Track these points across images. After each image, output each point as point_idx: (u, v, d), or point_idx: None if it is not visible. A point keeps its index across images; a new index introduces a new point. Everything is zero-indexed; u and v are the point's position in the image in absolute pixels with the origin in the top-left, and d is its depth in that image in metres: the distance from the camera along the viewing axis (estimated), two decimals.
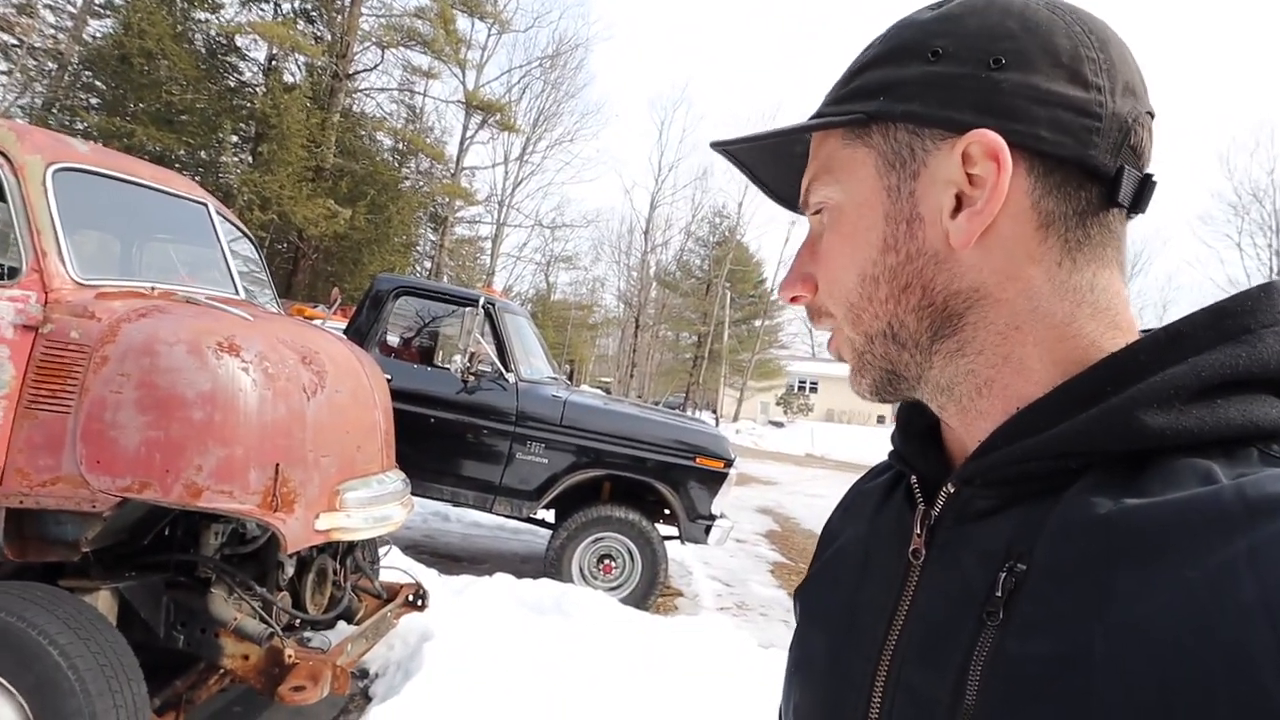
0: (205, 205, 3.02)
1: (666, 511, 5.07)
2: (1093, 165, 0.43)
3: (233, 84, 16.50)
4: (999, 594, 0.41)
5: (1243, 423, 0.38)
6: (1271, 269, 25.76)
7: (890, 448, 0.58)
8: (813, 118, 0.51)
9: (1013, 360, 0.45)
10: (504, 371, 4.91)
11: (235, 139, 16.20)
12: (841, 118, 0.48)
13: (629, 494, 5.06)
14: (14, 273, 2.23)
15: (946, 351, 0.47)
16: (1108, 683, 0.35)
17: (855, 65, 0.50)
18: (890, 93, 0.46)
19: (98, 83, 14.80)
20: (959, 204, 0.45)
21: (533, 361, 5.33)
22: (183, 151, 14.44)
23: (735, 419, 32.52)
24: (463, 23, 20.72)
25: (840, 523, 0.62)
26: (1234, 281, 26.57)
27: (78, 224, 2.42)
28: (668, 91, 78.12)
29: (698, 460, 4.87)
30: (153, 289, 2.51)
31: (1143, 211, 0.46)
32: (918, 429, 0.54)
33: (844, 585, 0.54)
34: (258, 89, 16.47)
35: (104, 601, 2.32)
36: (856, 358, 0.51)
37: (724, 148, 0.54)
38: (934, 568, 0.47)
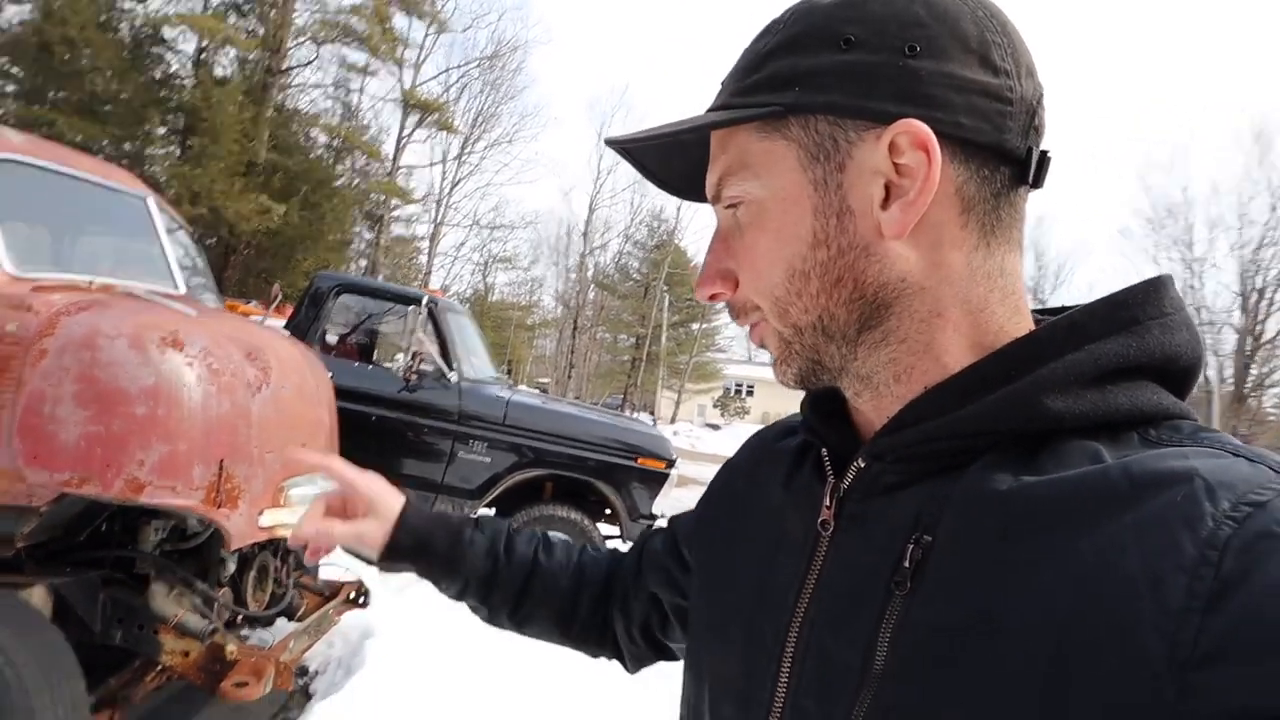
0: (144, 199, 2.97)
1: (607, 511, 5.15)
2: (1007, 149, 0.45)
3: (160, 76, 15.89)
4: (906, 564, 0.43)
5: (1130, 408, 0.42)
6: (1185, 282, 27.11)
7: (800, 416, 0.59)
8: (716, 109, 0.50)
9: (934, 347, 0.47)
10: (446, 371, 4.92)
11: (163, 131, 15.62)
12: (755, 110, 0.47)
13: (570, 493, 5.12)
14: None
15: (871, 342, 0.48)
16: (1008, 647, 0.37)
17: (757, 52, 0.49)
18: (805, 83, 0.46)
19: (14, 70, 14.08)
20: (888, 194, 0.45)
21: (475, 361, 5.35)
22: (107, 142, 13.84)
23: (673, 421, 32.80)
24: (400, 21, 20.48)
25: (749, 476, 0.63)
26: None
27: (10, 215, 2.38)
28: (607, 95, 78.44)
29: (639, 460, 4.97)
30: (91, 283, 2.48)
31: (1041, 186, 0.47)
32: (827, 403, 0.55)
33: (759, 553, 0.55)
34: (187, 81, 15.92)
35: (38, 598, 2.27)
36: (783, 347, 0.51)
37: (620, 144, 0.53)
38: (843, 539, 0.48)
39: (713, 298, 0.53)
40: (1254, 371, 26.51)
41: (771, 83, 0.47)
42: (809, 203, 0.47)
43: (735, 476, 0.65)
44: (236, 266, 16.38)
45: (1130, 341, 0.43)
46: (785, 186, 0.47)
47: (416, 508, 0.80)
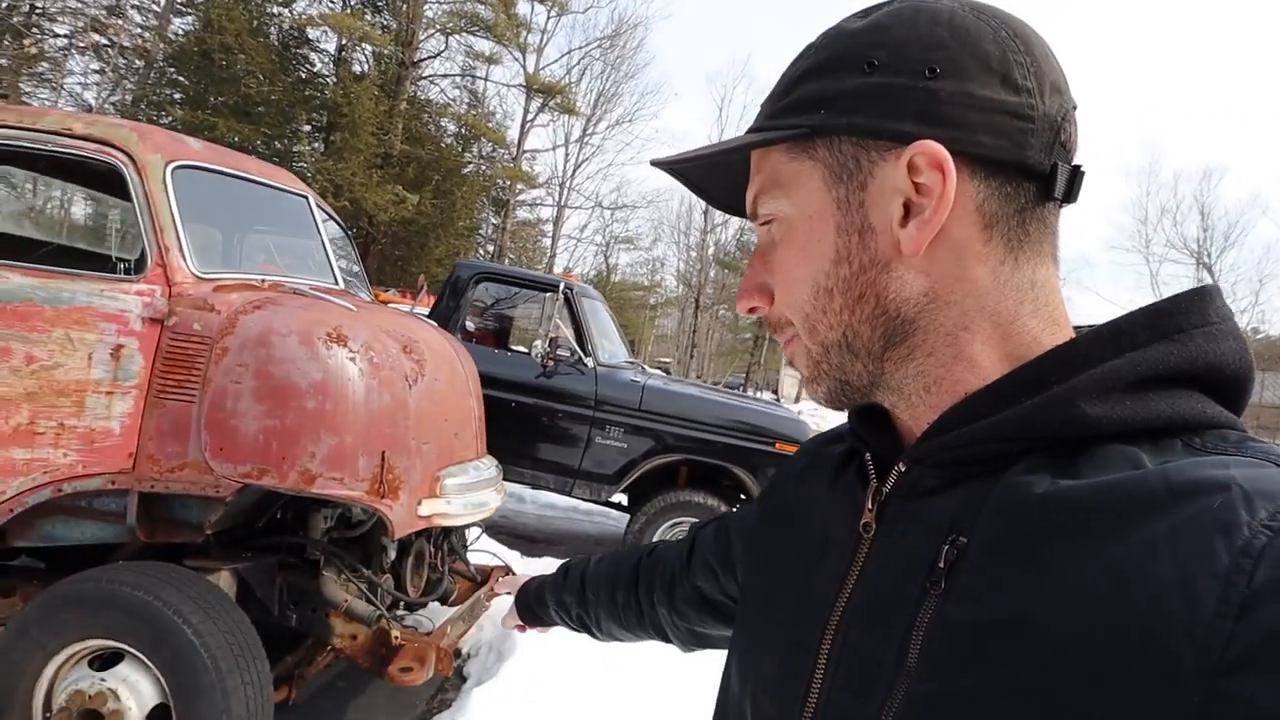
0: (306, 198, 3.10)
1: (743, 496, 5.04)
2: (1029, 165, 0.45)
3: (305, 75, 16.93)
4: (941, 565, 0.43)
5: (1170, 415, 0.42)
6: None
7: (847, 424, 0.61)
8: (751, 131, 0.52)
9: (962, 359, 0.47)
10: (583, 356, 4.94)
11: (308, 128, 16.66)
12: (784, 133, 0.49)
13: (705, 478, 5.05)
14: (139, 268, 2.32)
15: (897, 358, 0.49)
16: (1038, 647, 0.37)
17: (789, 77, 0.51)
18: (831, 106, 0.47)
19: (181, 78, 15.37)
20: (907, 212, 0.46)
21: (609, 346, 5.35)
22: (259, 142, 14.91)
23: (796, 400, 32.12)
24: (522, 6, 20.82)
25: (798, 482, 0.65)
26: None
27: (193, 218, 2.52)
28: (728, 67, 77.03)
29: (777, 445, 4.83)
30: (264, 281, 2.59)
31: (1075, 201, 0.48)
32: (871, 409, 0.56)
33: (806, 555, 0.56)
34: (329, 79, 16.88)
35: (225, 581, 2.42)
36: (813, 366, 0.53)
37: (664, 166, 0.55)
38: (883, 540, 0.49)
39: (751, 311, 0.55)
40: None
41: (801, 105, 0.49)
42: (833, 221, 0.48)
43: (787, 482, 0.67)
44: (374, 256, 17.32)
45: (1172, 349, 0.43)
46: (811, 205, 0.49)
47: (523, 584, 1.07)
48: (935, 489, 0.47)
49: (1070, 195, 0.48)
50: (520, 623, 1.05)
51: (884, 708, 0.43)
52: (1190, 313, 0.44)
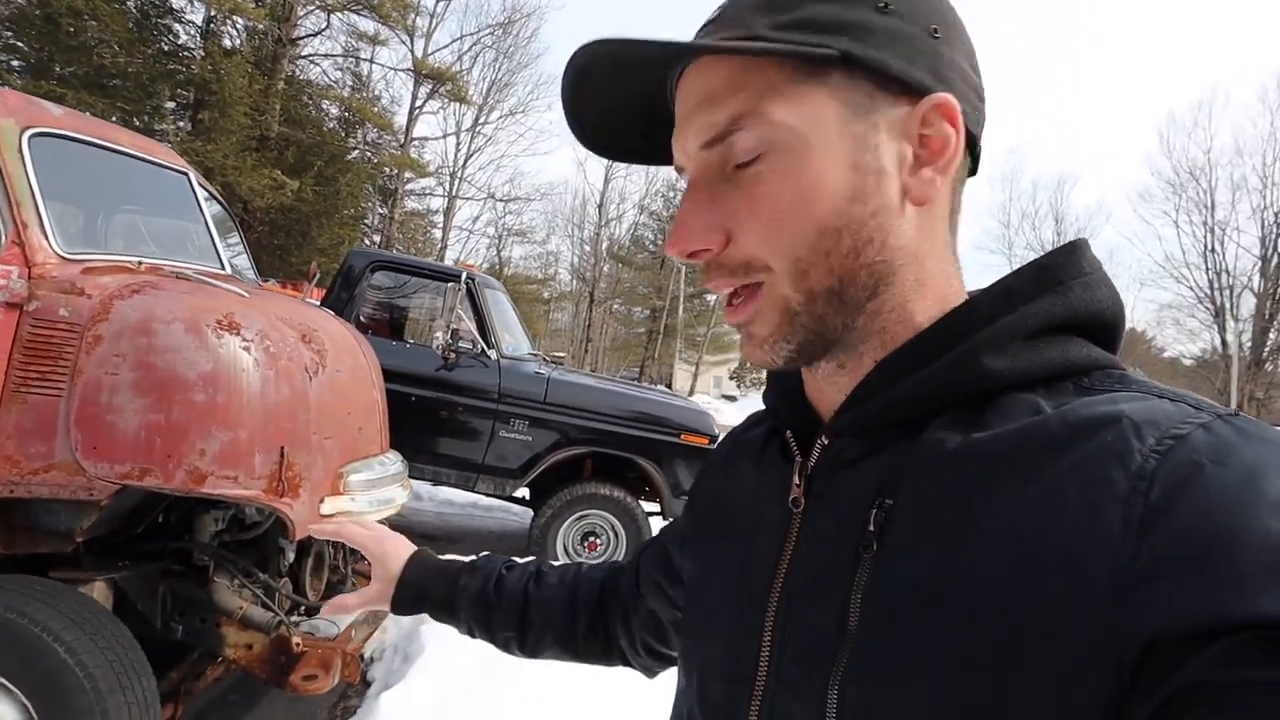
0: (187, 175, 2.85)
1: (647, 488, 5.07)
2: (976, 140, 0.50)
3: (168, 47, 15.62)
4: (872, 529, 0.45)
5: (1061, 361, 0.45)
6: (1206, 246, 26.64)
7: (763, 404, 0.61)
8: (740, 38, 0.45)
9: (906, 317, 0.48)
10: (486, 348, 4.81)
11: (173, 105, 15.40)
12: (809, 49, 0.44)
13: (610, 470, 5.04)
14: None
15: (872, 310, 0.48)
16: (971, 591, 0.39)
17: None
18: (853, 34, 0.45)
19: (20, 44, 13.86)
20: (915, 161, 0.47)
21: (512, 338, 5.24)
22: (116, 117, 13.64)
23: (690, 393, 32.71)
24: None
25: (723, 472, 0.64)
26: (1170, 257, 27.43)
27: (55, 193, 2.26)
28: None
29: (682, 437, 4.87)
30: (140, 264, 2.37)
31: (975, 174, 0.53)
32: (785, 386, 0.57)
33: (739, 541, 0.56)
34: (195, 53, 15.65)
35: (99, 593, 2.21)
36: (787, 319, 0.48)
37: (589, 51, 0.46)
38: (813, 513, 0.50)
39: (694, 255, 0.49)
40: (1272, 336, 26.22)
41: (813, 24, 0.45)
42: (848, 158, 0.46)
43: (712, 476, 0.67)
44: (251, 244, 16.26)
45: (1056, 300, 0.46)
46: (825, 137, 0.45)
47: (420, 561, 0.86)
48: (859, 457, 0.48)
49: (974, 169, 0.52)
50: (348, 608, 0.86)
51: (832, 673, 0.44)
52: (1068, 265, 0.47)
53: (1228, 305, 25.63)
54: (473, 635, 0.85)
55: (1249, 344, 25.89)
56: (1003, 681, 0.37)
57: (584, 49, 0.46)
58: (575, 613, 0.82)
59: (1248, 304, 26.26)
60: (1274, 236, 25.54)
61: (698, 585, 0.61)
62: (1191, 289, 25.43)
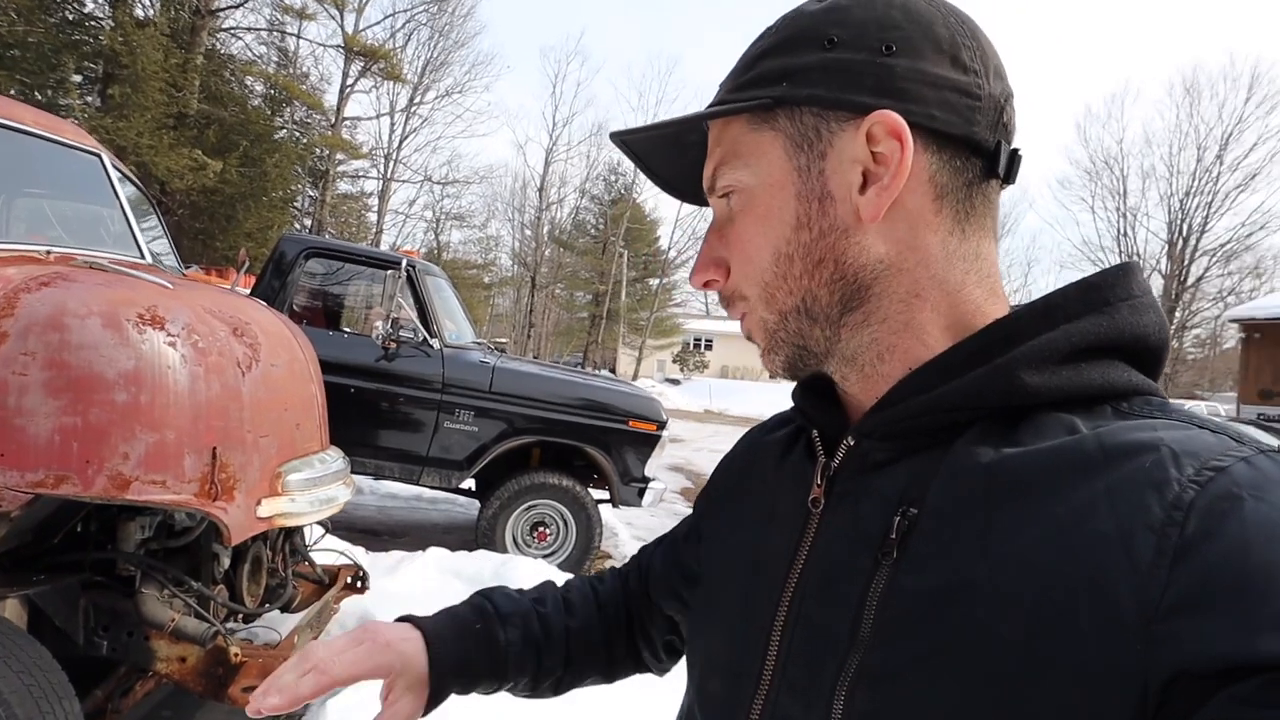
0: (99, 156, 2.64)
1: (595, 476, 5.01)
2: (976, 141, 0.48)
3: (73, 16, 14.64)
4: (893, 535, 0.45)
5: (1102, 383, 0.44)
6: (1119, 230, 28.11)
7: (792, 403, 0.61)
8: (714, 105, 0.53)
9: (913, 326, 0.49)
10: (428, 337, 4.66)
11: (79, 79, 14.46)
12: (747, 103, 0.50)
13: (558, 459, 4.97)
14: None
15: (853, 323, 0.50)
16: (990, 606, 0.39)
17: (751, 54, 0.52)
18: (792, 79, 0.49)
19: None
20: (865, 180, 0.48)
21: (455, 326, 5.09)
22: (15, 91, 12.75)
23: (634, 378, 32.73)
24: None
25: (741, 471, 0.65)
26: (1087, 242, 28.91)
27: None
28: (561, 42, 75.82)
29: (631, 423, 4.83)
30: (49, 253, 2.18)
31: (1013, 182, 0.51)
32: (817, 386, 0.57)
33: (751, 536, 0.57)
34: (104, 23, 14.70)
35: (13, 611, 2.04)
36: (769, 337, 0.53)
37: (622, 138, 0.55)
38: (833, 514, 0.50)
39: (707, 285, 0.55)
40: (1177, 315, 27.96)
41: (762, 79, 0.50)
42: (793, 188, 0.49)
43: (729, 472, 0.67)
44: (171, 228, 15.49)
45: (1102, 321, 0.45)
46: (772, 173, 0.50)
47: (435, 640, 0.66)
48: (884, 462, 0.48)
49: (1010, 176, 0.50)
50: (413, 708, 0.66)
51: (839, 678, 0.44)
52: (1117, 286, 0.47)
53: None
54: (514, 693, 0.72)
55: None
56: (1018, 700, 0.37)
57: (615, 140, 0.56)
58: (612, 641, 0.76)
59: (1156, 285, 27.99)
60: (1179, 222, 27.22)
61: (708, 579, 0.62)
62: None
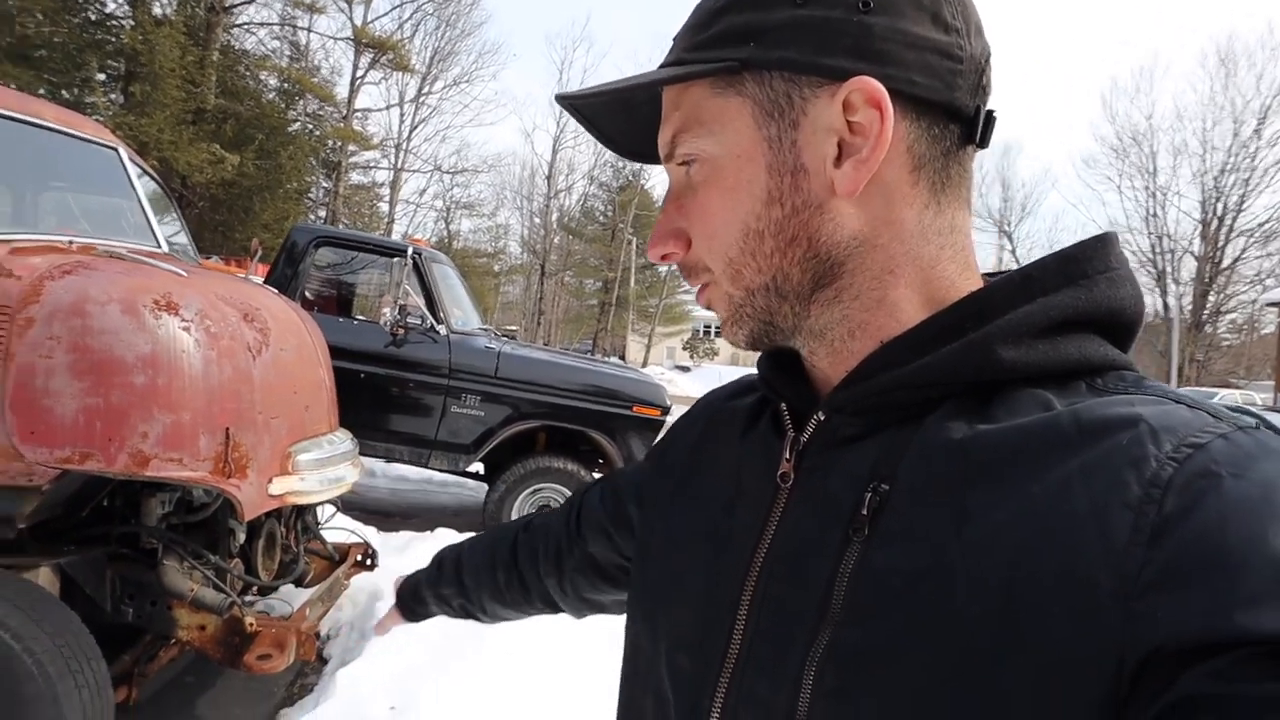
0: (116, 150, 2.77)
1: (600, 460, 5.13)
2: (957, 107, 0.45)
3: (95, 16, 14.86)
4: (864, 512, 0.43)
5: (1077, 358, 0.43)
6: (1148, 210, 27.06)
7: (757, 375, 0.59)
8: (668, 65, 0.49)
9: (886, 303, 0.47)
10: (435, 323, 4.78)
11: (103, 77, 14.70)
12: (709, 66, 0.46)
13: (563, 444, 5.08)
14: None
15: (824, 300, 0.48)
16: (963, 585, 0.38)
17: (709, 8, 0.48)
18: (760, 38, 0.45)
19: None
20: (840, 152, 0.45)
21: (462, 312, 5.21)
22: (43, 90, 12.99)
23: (644, 365, 32.83)
24: None
25: (700, 436, 0.63)
26: (1114, 222, 27.86)
27: None
28: (567, 29, 75.49)
29: (635, 409, 4.93)
30: (71, 243, 2.31)
31: (986, 146, 0.48)
32: (783, 359, 0.55)
33: (715, 509, 0.55)
34: (125, 22, 14.91)
35: (45, 578, 2.17)
36: (733, 310, 0.51)
37: (569, 101, 0.51)
38: (802, 490, 0.49)
39: (664, 258, 0.52)
40: (1211, 299, 26.72)
41: (725, 38, 0.46)
42: (763, 160, 0.46)
43: (687, 436, 0.65)
44: (191, 221, 15.70)
45: (1079, 294, 0.44)
46: (740, 144, 0.46)
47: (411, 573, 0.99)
48: (855, 437, 0.47)
49: (984, 140, 0.47)
50: (388, 628, 1.01)
51: (808, 656, 0.43)
52: (1095, 259, 0.45)
53: (1169, 269, 26.09)
54: (451, 615, 0.95)
55: (1189, 307, 26.53)
56: (990, 680, 0.36)
57: (561, 102, 0.51)
58: (494, 568, 0.88)
59: (1188, 267, 26.71)
60: (1214, 200, 25.63)
61: (662, 544, 0.60)
62: (1134, 253, 25.69)
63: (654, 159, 0.54)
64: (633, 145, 0.56)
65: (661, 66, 0.50)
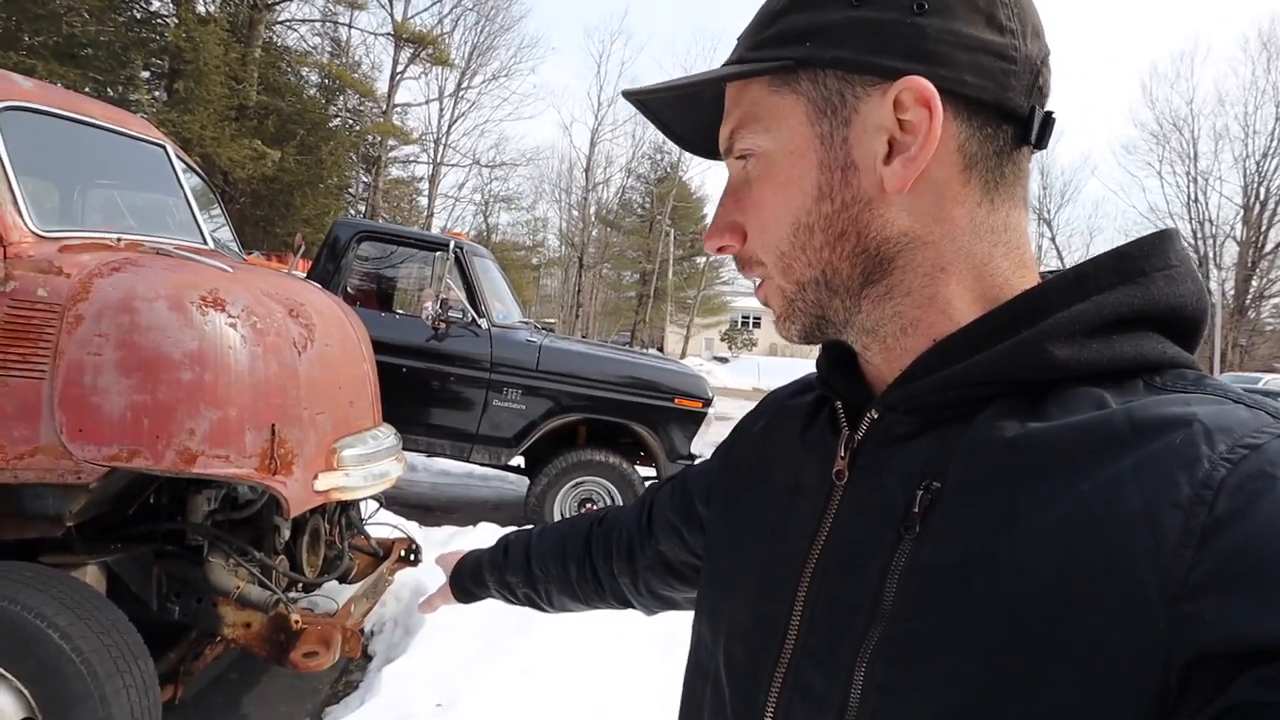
0: (164, 147, 2.76)
1: (642, 453, 5.07)
2: (1010, 107, 0.45)
3: (140, 15, 15.17)
4: (916, 510, 0.44)
5: (1134, 356, 0.43)
6: (1189, 196, 26.72)
7: (816, 373, 0.61)
8: (731, 63, 0.51)
9: (938, 300, 0.48)
10: (476, 317, 4.75)
11: (148, 75, 15.01)
12: (768, 64, 0.48)
13: (605, 437, 5.03)
14: None
15: (875, 296, 0.49)
16: (1011, 583, 0.38)
17: (771, 10, 0.50)
18: (816, 38, 0.46)
19: None
20: (891, 149, 0.46)
21: (503, 306, 5.18)
22: (89, 88, 13.29)
23: (682, 356, 32.69)
24: None
25: (763, 434, 0.64)
26: (1155, 209, 27.60)
27: (27, 169, 2.18)
28: (605, 22, 75.34)
29: (676, 401, 4.86)
30: (119, 240, 2.30)
31: (1045, 147, 0.48)
32: (840, 357, 0.56)
33: (775, 505, 0.56)
34: (169, 20, 15.20)
35: (92, 577, 2.17)
36: (786, 304, 0.52)
37: (636, 97, 0.53)
38: (856, 487, 0.50)
39: (721, 249, 0.54)
40: (1254, 284, 26.48)
41: (783, 38, 0.48)
42: (815, 156, 0.47)
43: (750, 434, 0.67)
44: (234, 216, 15.97)
45: (1135, 292, 0.43)
46: (793, 140, 0.48)
47: (466, 554, 1.01)
48: (908, 435, 0.48)
49: (1042, 141, 0.48)
50: (437, 605, 1.02)
51: (860, 650, 0.44)
52: (1152, 256, 0.45)
53: (1211, 254, 26.07)
54: (510, 601, 0.95)
55: (1232, 292, 26.21)
56: (1037, 677, 0.37)
57: (628, 98, 0.53)
58: (566, 561, 0.88)
59: (1230, 253, 26.55)
60: (1255, 185, 25.71)
61: (726, 539, 0.61)
62: None
63: (715, 154, 0.56)
64: (695, 140, 0.58)
65: (725, 64, 0.52)
